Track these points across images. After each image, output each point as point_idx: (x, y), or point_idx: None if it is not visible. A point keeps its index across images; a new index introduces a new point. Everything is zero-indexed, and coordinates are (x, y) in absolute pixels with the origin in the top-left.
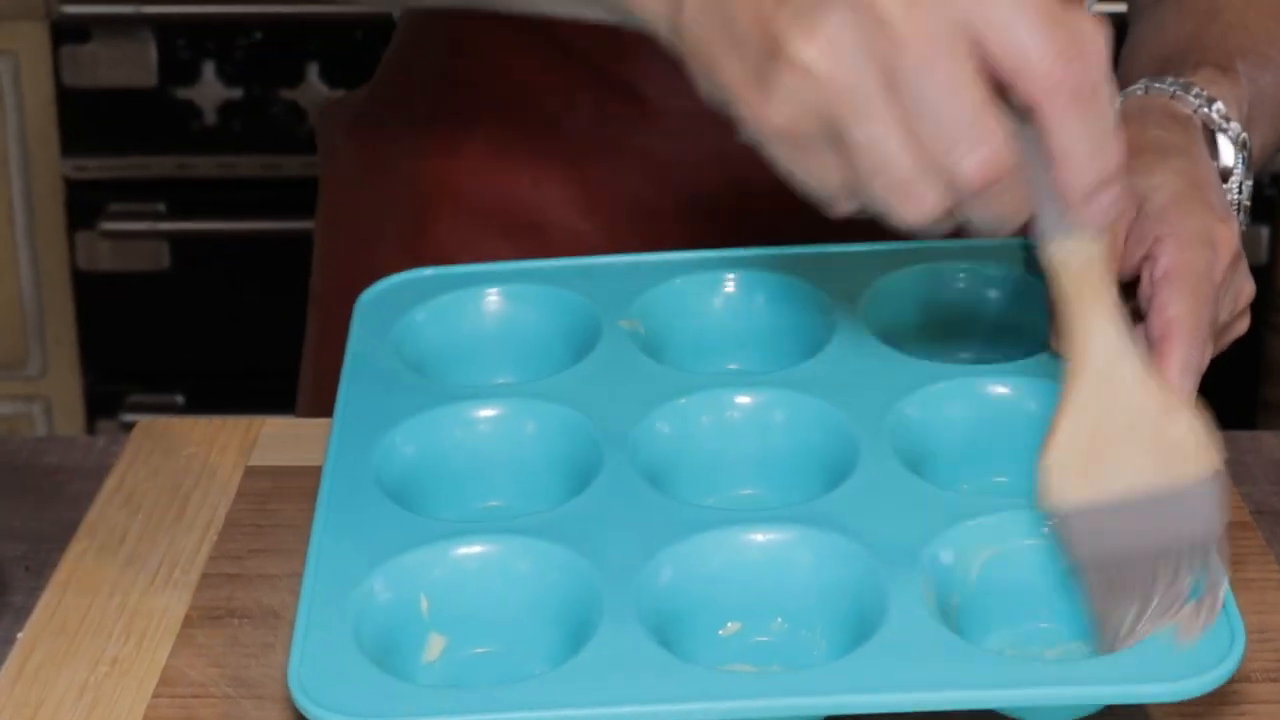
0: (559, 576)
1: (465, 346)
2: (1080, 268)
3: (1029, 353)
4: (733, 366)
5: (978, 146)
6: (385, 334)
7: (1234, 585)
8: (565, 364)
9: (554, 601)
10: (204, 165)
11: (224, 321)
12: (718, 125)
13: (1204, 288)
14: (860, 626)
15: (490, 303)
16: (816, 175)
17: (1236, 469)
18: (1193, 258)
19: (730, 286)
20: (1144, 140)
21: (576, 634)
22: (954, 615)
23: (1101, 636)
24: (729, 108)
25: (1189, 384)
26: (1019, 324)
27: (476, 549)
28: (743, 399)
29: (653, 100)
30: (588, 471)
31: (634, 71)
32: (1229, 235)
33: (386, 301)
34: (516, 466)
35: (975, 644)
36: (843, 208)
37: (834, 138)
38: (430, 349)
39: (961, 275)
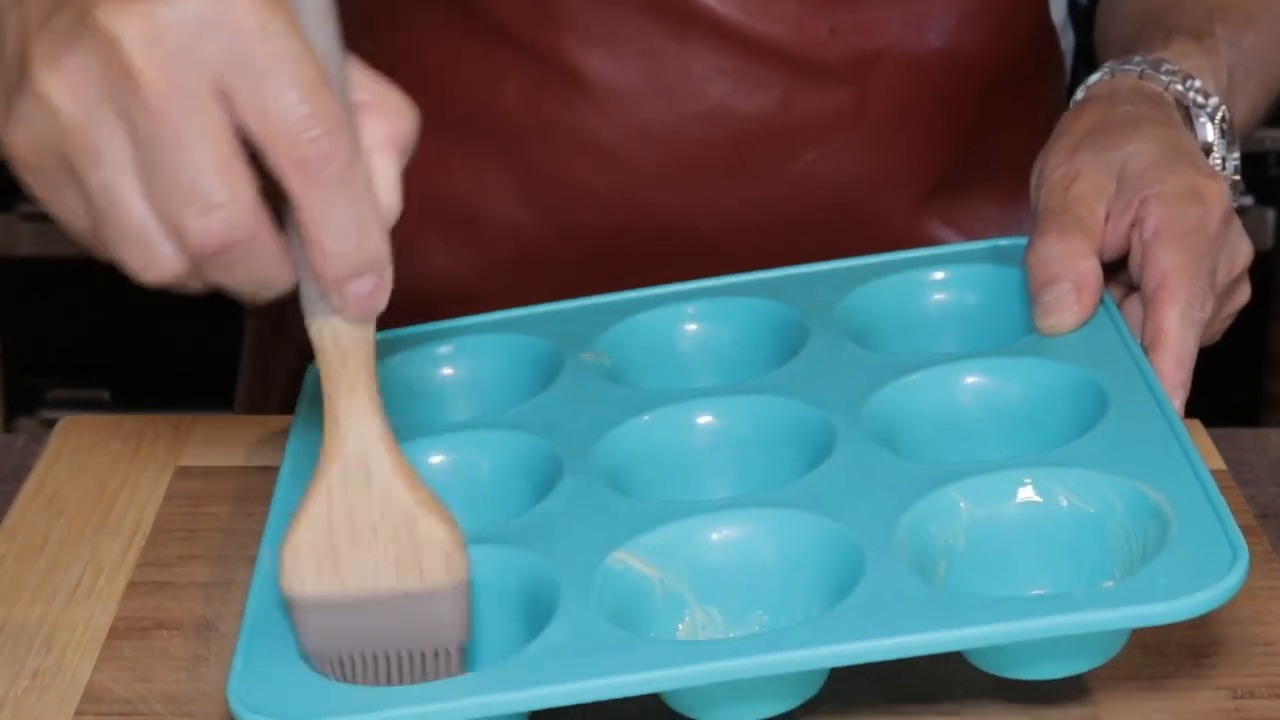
0: (518, 583)
1: (423, 402)
2: (343, 350)
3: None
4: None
5: (208, 210)
6: None
7: (1236, 594)
8: (526, 399)
9: (513, 609)
10: None
11: (154, 312)
12: (653, 100)
13: (1196, 240)
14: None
15: (444, 357)
16: (61, 211)
17: (1240, 469)
18: (1182, 212)
19: (694, 321)
20: (1114, 116)
21: (533, 630)
22: (941, 584)
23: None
24: None
25: (1190, 338)
26: (1000, 321)
27: None
28: (710, 410)
29: (586, 76)
30: (548, 488)
31: (565, 47)
32: (1218, 190)
33: None
34: (478, 496)
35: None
36: (100, 252)
37: (72, 176)
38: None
39: (936, 282)
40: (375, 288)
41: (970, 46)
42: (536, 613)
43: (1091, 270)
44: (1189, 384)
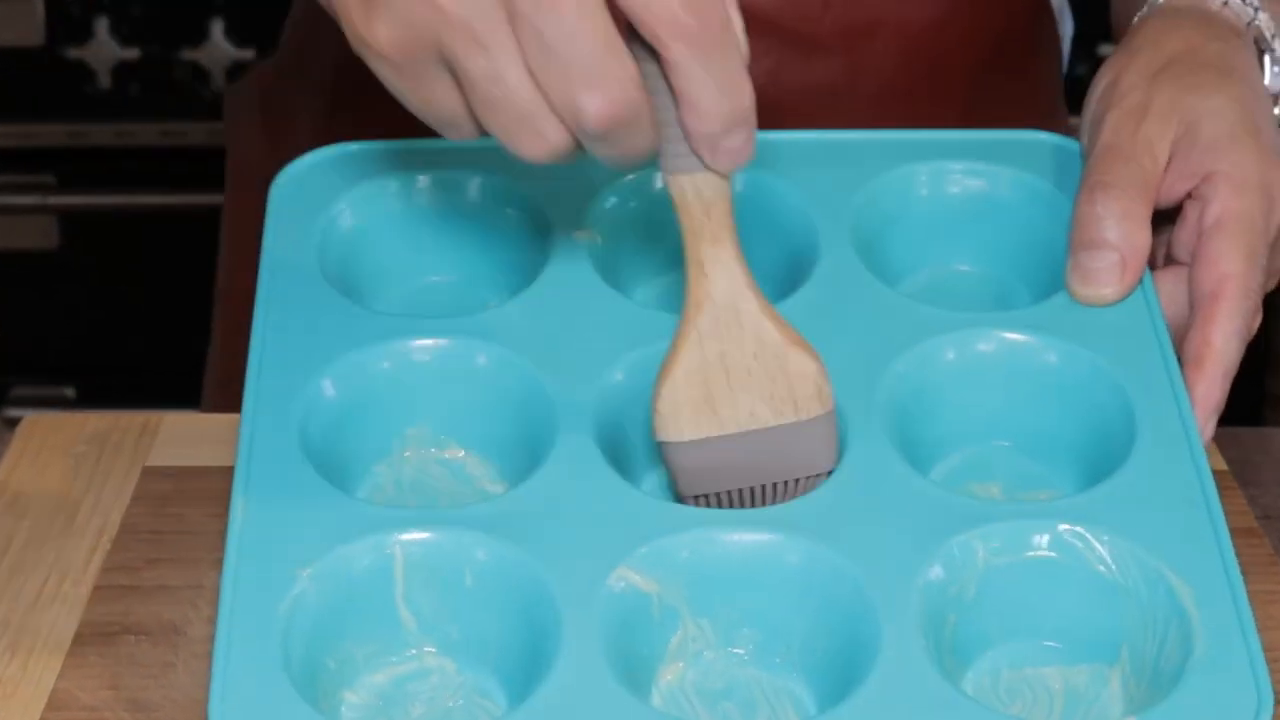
0: (513, 580)
1: (396, 243)
2: (707, 203)
3: (1038, 274)
4: None
5: (602, 88)
6: (304, 236)
7: None
8: (512, 267)
9: (508, 609)
10: (97, 133)
11: (120, 306)
12: None
13: (1257, 242)
14: (843, 651)
15: (425, 193)
16: (428, 101)
17: (1242, 469)
18: (1249, 206)
19: None
20: (1206, 54)
21: (530, 645)
22: (950, 635)
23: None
24: (336, 16)
25: (1234, 354)
26: (1032, 237)
27: (421, 535)
28: None
29: None
30: (539, 426)
31: None
32: None
33: (304, 188)
34: (460, 413)
35: (973, 665)
36: (459, 135)
37: (446, 65)
38: (355, 245)
39: (965, 176)
40: (746, 140)
41: (965, 21)
42: (532, 623)
43: (1144, 242)
44: (1223, 407)
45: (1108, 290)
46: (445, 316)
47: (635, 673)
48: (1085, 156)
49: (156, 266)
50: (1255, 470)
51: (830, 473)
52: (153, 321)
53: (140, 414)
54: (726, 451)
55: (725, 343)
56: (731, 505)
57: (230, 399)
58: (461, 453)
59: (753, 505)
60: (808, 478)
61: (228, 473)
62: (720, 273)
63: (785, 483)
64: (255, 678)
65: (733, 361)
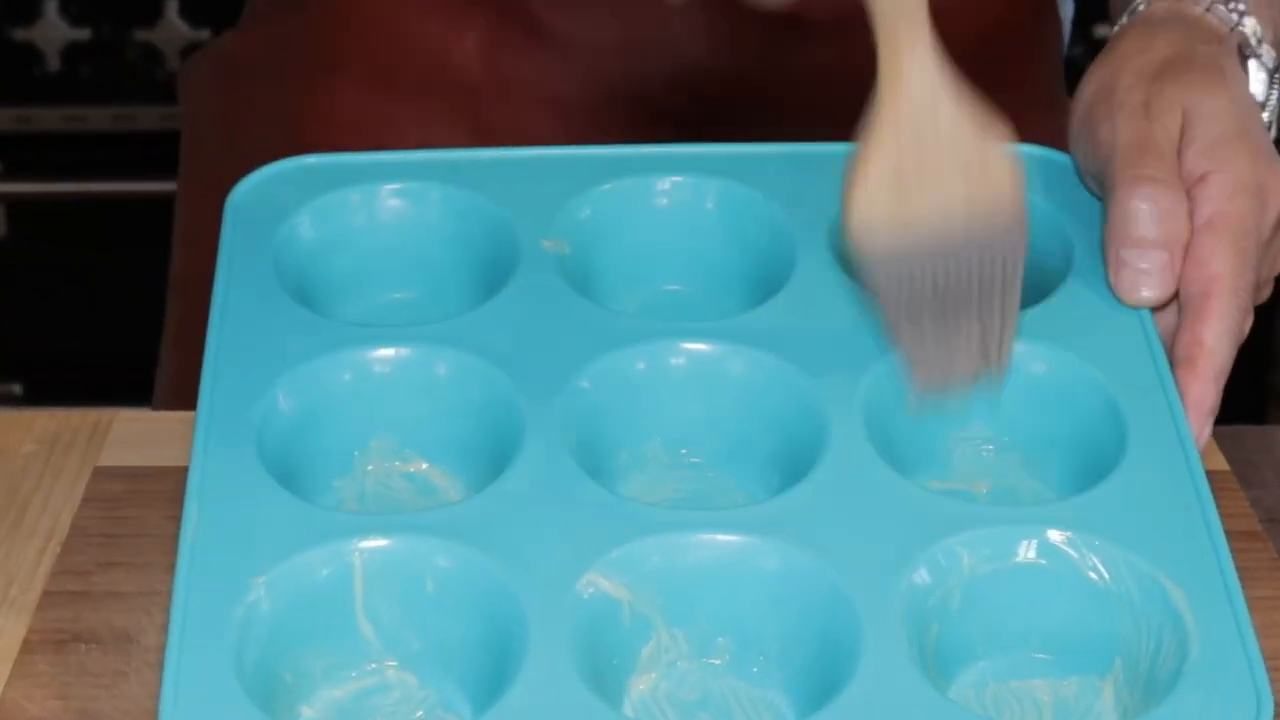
0: (478, 587)
1: (357, 257)
2: (904, 4)
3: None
4: (672, 288)
5: None
6: (260, 247)
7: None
8: (477, 283)
9: (472, 618)
10: (46, 118)
11: (70, 299)
12: (620, 57)
13: (1249, 244)
14: (822, 658)
15: (387, 206)
16: None
17: (1244, 470)
18: (1241, 208)
19: (665, 200)
20: (1196, 56)
21: (496, 654)
22: (933, 645)
23: (912, 379)
24: None
25: (1227, 354)
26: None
27: (381, 543)
28: (690, 350)
29: (550, 30)
30: (507, 436)
31: None
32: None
33: (262, 201)
34: (423, 425)
35: (957, 678)
36: None
37: None
38: (315, 260)
39: None
40: None
41: (963, 8)
42: (498, 632)
43: (1186, 229)
44: (1218, 409)
45: (1157, 291)
46: (407, 325)
47: (606, 683)
48: (1083, 163)
49: (108, 257)
50: (1258, 471)
51: (1019, 267)
52: (104, 315)
53: (92, 411)
54: (920, 247)
55: (920, 140)
56: (927, 297)
57: (184, 395)
58: (425, 465)
59: (946, 295)
60: (1000, 274)
61: (183, 473)
62: (917, 73)
63: (977, 268)
64: (208, 687)
65: (926, 157)
